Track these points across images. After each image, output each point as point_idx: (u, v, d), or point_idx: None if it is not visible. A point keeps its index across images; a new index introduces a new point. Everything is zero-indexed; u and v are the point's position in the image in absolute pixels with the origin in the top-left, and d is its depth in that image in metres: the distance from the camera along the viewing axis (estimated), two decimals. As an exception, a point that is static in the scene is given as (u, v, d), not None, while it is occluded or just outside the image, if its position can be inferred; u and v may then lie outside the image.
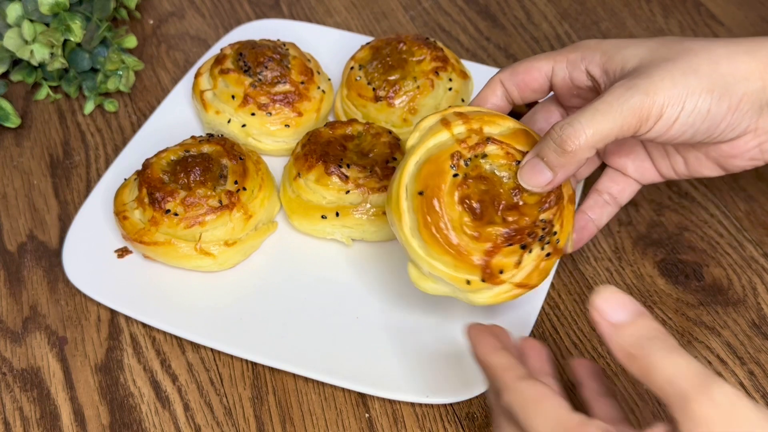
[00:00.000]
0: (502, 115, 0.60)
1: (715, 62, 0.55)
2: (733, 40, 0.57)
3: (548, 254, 0.58)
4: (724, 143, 0.60)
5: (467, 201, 0.56)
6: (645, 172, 0.67)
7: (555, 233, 0.58)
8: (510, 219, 0.56)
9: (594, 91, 0.61)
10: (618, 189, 0.68)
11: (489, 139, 0.57)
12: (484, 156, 0.57)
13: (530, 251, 0.57)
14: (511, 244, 0.56)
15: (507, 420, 0.49)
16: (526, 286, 0.58)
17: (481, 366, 0.53)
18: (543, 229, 0.57)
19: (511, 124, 0.59)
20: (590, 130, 0.53)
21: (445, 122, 0.58)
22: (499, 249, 0.56)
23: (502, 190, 0.57)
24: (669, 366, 0.42)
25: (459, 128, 0.58)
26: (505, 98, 0.64)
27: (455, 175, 0.56)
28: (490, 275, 0.57)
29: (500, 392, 0.49)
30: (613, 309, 0.45)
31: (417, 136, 0.60)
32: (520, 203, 0.57)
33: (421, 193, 0.56)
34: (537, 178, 0.55)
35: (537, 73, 0.62)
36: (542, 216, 0.57)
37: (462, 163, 0.56)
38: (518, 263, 0.57)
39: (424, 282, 0.60)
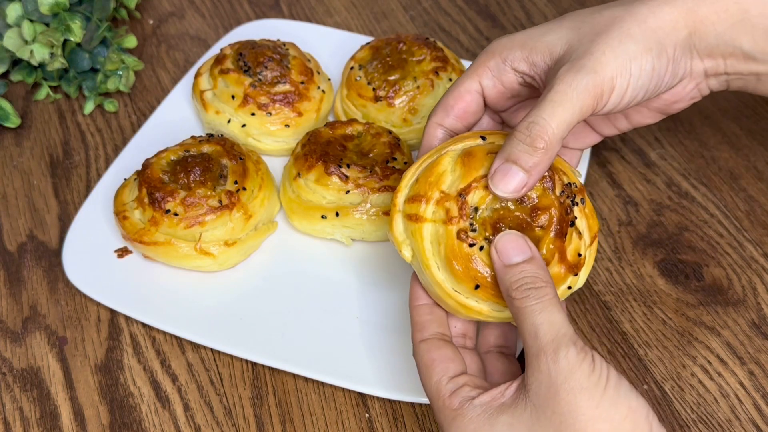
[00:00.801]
0: (434, 160, 0.58)
1: (642, 22, 0.56)
2: None
3: (582, 200, 0.58)
4: (665, 93, 0.61)
5: None
6: (585, 138, 0.68)
7: (570, 185, 0.58)
8: (544, 221, 0.55)
9: (528, 86, 0.61)
10: (566, 159, 0.69)
11: (461, 194, 0.55)
12: (476, 209, 0.55)
13: (576, 218, 0.57)
14: (565, 234, 0.56)
15: None
16: (594, 238, 0.59)
17: None
18: (567, 196, 0.57)
19: (449, 159, 0.57)
20: (554, 122, 0.53)
21: (412, 218, 0.56)
22: (563, 247, 0.56)
23: (516, 213, 0.55)
24: (536, 320, 0.49)
25: (429, 211, 0.56)
26: (449, 137, 0.63)
27: (481, 248, 0.54)
28: (577, 266, 0.57)
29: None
30: (510, 252, 0.52)
31: (406, 249, 0.58)
32: (535, 202, 0.56)
33: (477, 287, 0.55)
34: (511, 183, 0.53)
35: (468, 95, 0.62)
36: (557, 192, 0.56)
37: (471, 233, 0.54)
38: (580, 234, 0.57)
39: None
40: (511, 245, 0.53)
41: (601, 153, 0.83)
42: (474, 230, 0.55)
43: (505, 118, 0.67)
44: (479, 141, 0.58)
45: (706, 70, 0.60)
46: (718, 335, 0.70)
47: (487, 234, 0.55)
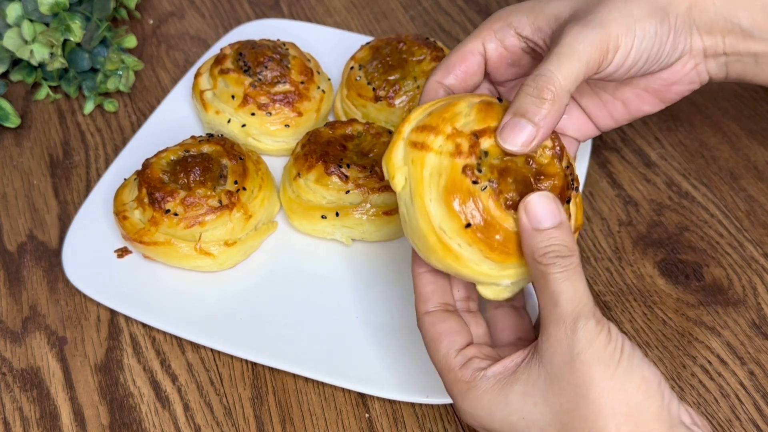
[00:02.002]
0: (449, 102, 0.56)
1: None
2: None
3: (577, 188, 0.58)
4: (665, 71, 0.62)
5: (509, 202, 0.53)
6: (583, 127, 0.68)
7: (572, 167, 0.57)
8: (547, 187, 0.54)
9: (530, 53, 0.61)
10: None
11: (475, 134, 0.54)
12: (486, 153, 0.54)
13: (571, 198, 0.57)
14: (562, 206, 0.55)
15: None
16: (578, 228, 0.58)
17: None
18: (569, 174, 0.56)
19: (465, 104, 0.56)
20: (561, 74, 0.53)
21: (418, 145, 0.54)
22: None
23: (523, 170, 0.54)
24: (559, 288, 0.49)
25: (437, 142, 0.54)
26: (441, 93, 0.62)
27: (484, 188, 0.53)
28: None
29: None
30: (540, 216, 0.51)
31: (399, 177, 0.55)
32: (543, 165, 0.55)
33: (468, 226, 0.53)
34: (520, 136, 0.53)
35: (471, 56, 0.61)
36: (563, 164, 0.56)
37: (477, 172, 0.53)
38: (570, 216, 0.56)
39: (503, 292, 0.57)
40: (542, 209, 0.51)
41: (601, 153, 0.83)
42: (480, 170, 0.53)
43: (504, 93, 0.66)
44: (496, 100, 0.57)
45: (705, 48, 0.61)
46: (719, 335, 0.70)
47: (492, 178, 0.53)
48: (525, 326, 0.58)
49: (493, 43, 0.61)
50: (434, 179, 0.54)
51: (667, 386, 0.48)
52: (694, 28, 0.59)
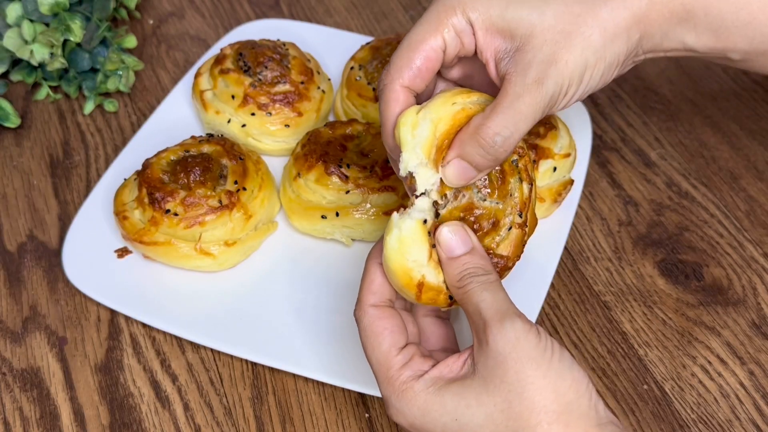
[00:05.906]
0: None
1: (604, 29, 0.55)
2: None
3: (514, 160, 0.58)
4: None
5: None
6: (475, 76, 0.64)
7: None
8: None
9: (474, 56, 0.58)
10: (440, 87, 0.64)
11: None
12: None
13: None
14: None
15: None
16: (532, 229, 0.60)
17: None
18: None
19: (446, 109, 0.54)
20: (518, 133, 0.53)
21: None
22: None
23: None
24: (479, 297, 0.51)
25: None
26: (412, 100, 0.57)
27: None
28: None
29: (357, 304, 0.56)
30: (453, 245, 0.53)
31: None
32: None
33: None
34: (464, 177, 0.54)
35: (434, 54, 0.55)
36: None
37: None
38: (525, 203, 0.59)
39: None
40: (452, 237, 0.53)
41: (601, 153, 0.83)
42: None
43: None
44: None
45: (644, 59, 0.60)
46: (718, 335, 0.70)
47: None
48: (450, 337, 0.59)
49: (455, 41, 0.56)
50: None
51: (594, 388, 0.49)
52: (639, 52, 0.58)
